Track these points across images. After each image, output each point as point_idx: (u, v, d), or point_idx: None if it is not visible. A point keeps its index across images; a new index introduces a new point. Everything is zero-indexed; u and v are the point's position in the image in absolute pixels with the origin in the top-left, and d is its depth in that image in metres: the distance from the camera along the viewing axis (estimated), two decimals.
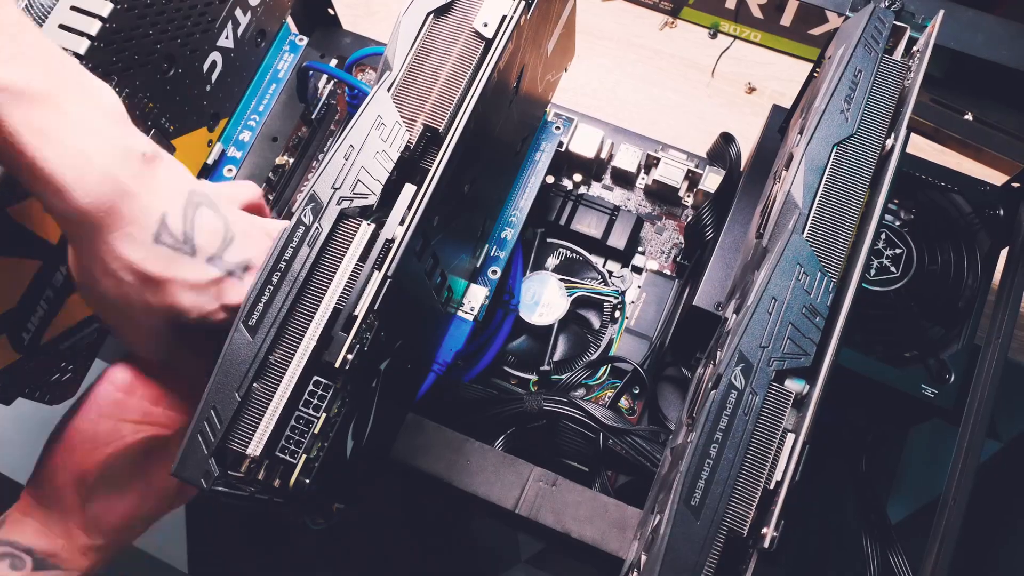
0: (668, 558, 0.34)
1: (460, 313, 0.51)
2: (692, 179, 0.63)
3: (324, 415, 0.36)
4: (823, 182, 0.39)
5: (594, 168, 0.64)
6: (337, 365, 0.35)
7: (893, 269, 0.52)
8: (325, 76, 0.65)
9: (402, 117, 0.39)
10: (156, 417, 0.38)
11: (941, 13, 0.42)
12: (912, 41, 0.43)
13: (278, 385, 0.36)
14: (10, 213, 0.38)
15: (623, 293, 0.61)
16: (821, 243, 0.38)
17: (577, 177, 0.65)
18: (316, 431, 0.35)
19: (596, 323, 0.61)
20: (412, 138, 0.39)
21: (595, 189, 0.65)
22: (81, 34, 0.40)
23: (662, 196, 0.64)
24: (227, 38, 0.51)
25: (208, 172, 0.57)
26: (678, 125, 0.75)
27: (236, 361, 0.36)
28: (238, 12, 0.51)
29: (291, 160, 0.64)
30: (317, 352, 0.36)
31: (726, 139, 0.58)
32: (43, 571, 0.36)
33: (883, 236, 0.53)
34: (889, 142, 0.40)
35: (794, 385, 0.36)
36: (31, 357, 0.44)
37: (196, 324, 0.36)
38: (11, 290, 0.41)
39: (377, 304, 0.36)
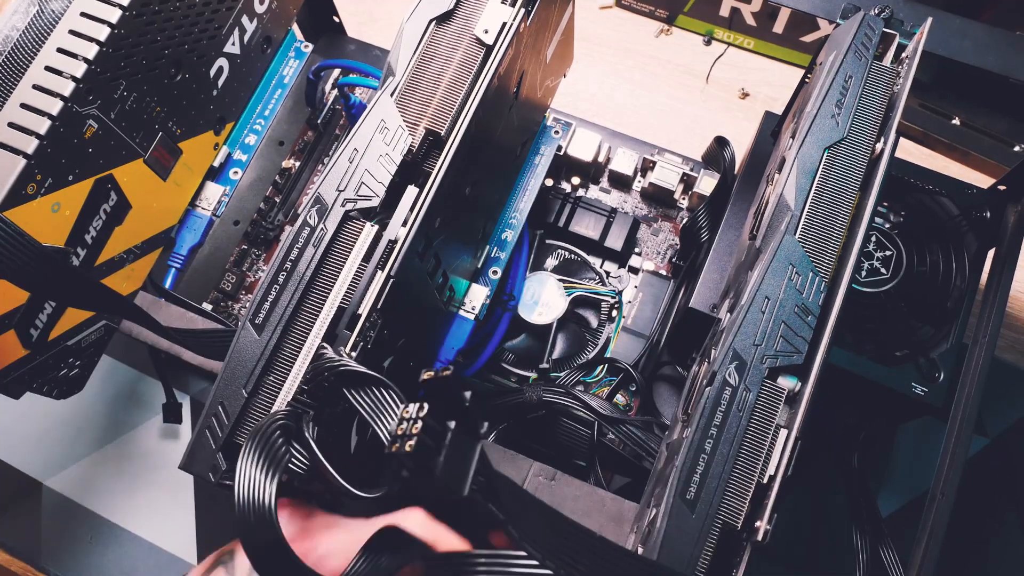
0: (664, 551, 0.34)
1: (462, 312, 0.52)
2: (687, 182, 0.64)
3: (328, 411, 0.36)
4: (814, 185, 0.40)
5: (592, 171, 0.65)
6: None
7: (883, 270, 0.53)
8: (331, 81, 0.66)
9: (405, 121, 0.40)
10: None
11: (929, 20, 0.43)
12: (901, 47, 0.44)
13: (284, 382, 0.37)
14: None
15: (620, 293, 0.62)
16: (813, 244, 0.39)
17: (575, 180, 0.66)
18: None
19: (594, 322, 0.62)
20: (415, 142, 0.40)
21: (593, 192, 0.66)
22: (91, 40, 0.41)
23: (658, 199, 0.65)
24: (234, 44, 0.52)
25: (214, 175, 0.58)
26: (674, 129, 0.76)
27: (243, 358, 0.37)
28: (244, 19, 0.52)
29: (297, 163, 0.65)
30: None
31: (720, 143, 0.59)
32: None
33: (873, 238, 0.54)
34: (879, 146, 0.41)
35: (787, 382, 0.37)
36: (39, 353, 0.45)
37: None
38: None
39: (380, 303, 0.37)
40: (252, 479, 0.30)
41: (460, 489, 0.29)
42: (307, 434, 0.33)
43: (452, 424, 0.30)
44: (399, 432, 0.30)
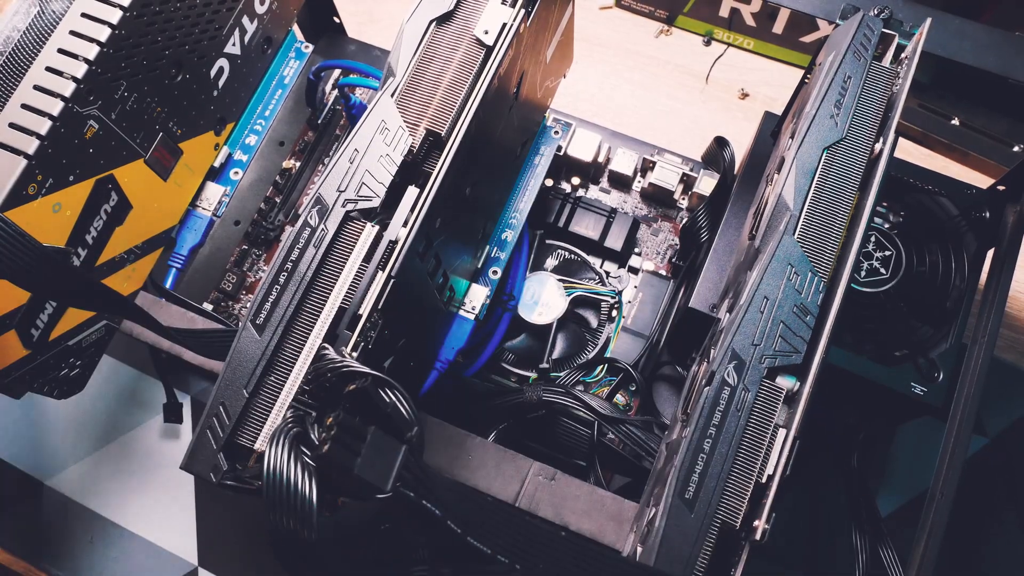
0: (663, 550, 0.34)
1: (462, 312, 0.52)
2: (687, 182, 0.64)
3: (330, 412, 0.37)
4: (813, 185, 0.40)
5: (592, 171, 0.65)
6: None
7: (883, 271, 0.54)
8: (332, 81, 0.66)
9: (405, 122, 0.40)
10: None
11: (929, 21, 0.43)
12: (900, 48, 0.44)
13: (285, 382, 0.37)
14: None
15: (620, 293, 0.62)
16: (811, 244, 0.39)
17: (575, 180, 0.66)
18: None
19: (594, 322, 0.62)
20: (415, 142, 0.40)
21: (593, 192, 0.66)
22: (91, 40, 0.41)
23: (658, 199, 0.65)
24: (234, 45, 0.52)
25: (215, 175, 0.58)
26: (673, 130, 0.76)
27: (244, 359, 0.37)
28: (245, 20, 0.52)
29: (297, 164, 0.65)
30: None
31: (720, 143, 0.59)
32: None
33: (873, 238, 0.54)
34: (877, 146, 0.41)
35: (785, 382, 0.37)
36: (40, 353, 0.45)
37: None
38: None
39: (381, 304, 0.37)
40: (288, 478, 0.31)
41: (383, 486, 0.31)
42: (312, 436, 0.33)
43: (372, 428, 0.32)
44: (320, 439, 0.32)
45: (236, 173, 0.60)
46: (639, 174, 0.66)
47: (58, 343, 0.46)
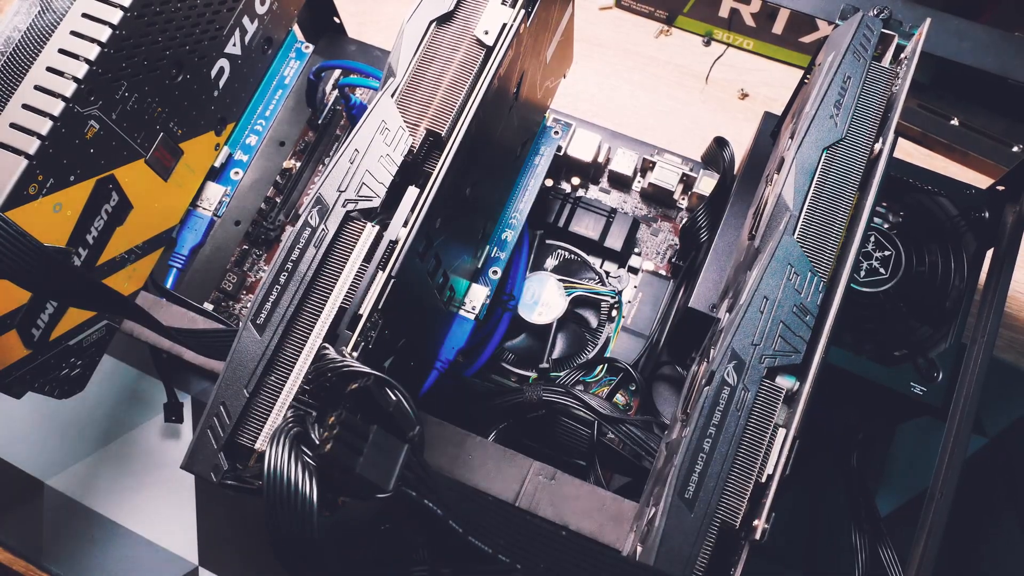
0: (663, 549, 0.35)
1: (462, 312, 0.52)
2: (687, 182, 0.64)
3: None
4: (813, 185, 0.40)
5: (592, 172, 0.65)
6: None
7: (882, 271, 0.54)
8: (332, 81, 0.66)
9: (405, 122, 0.40)
10: None
11: (928, 21, 0.43)
12: (900, 48, 0.44)
13: (285, 381, 0.37)
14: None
15: (620, 293, 0.62)
16: (811, 244, 0.39)
17: (575, 180, 0.66)
18: None
19: (594, 322, 0.62)
20: (415, 142, 0.40)
21: (593, 192, 0.66)
22: (92, 40, 0.41)
23: (658, 199, 0.65)
24: (235, 45, 0.52)
25: (216, 175, 0.59)
26: (673, 130, 0.76)
27: (245, 358, 0.37)
28: (245, 20, 0.52)
29: (298, 164, 0.65)
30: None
31: (720, 143, 0.59)
32: None
33: (872, 238, 0.54)
34: (877, 146, 0.41)
35: (785, 382, 0.37)
36: (41, 353, 0.45)
37: None
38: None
39: (381, 303, 0.37)
40: (288, 478, 0.31)
41: (385, 485, 0.31)
42: (313, 435, 0.33)
43: (374, 427, 0.32)
44: (322, 438, 0.32)
45: (237, 173, 0.60)
46: (639, 174, 0.66)
47: (59, 343, 0.46)
